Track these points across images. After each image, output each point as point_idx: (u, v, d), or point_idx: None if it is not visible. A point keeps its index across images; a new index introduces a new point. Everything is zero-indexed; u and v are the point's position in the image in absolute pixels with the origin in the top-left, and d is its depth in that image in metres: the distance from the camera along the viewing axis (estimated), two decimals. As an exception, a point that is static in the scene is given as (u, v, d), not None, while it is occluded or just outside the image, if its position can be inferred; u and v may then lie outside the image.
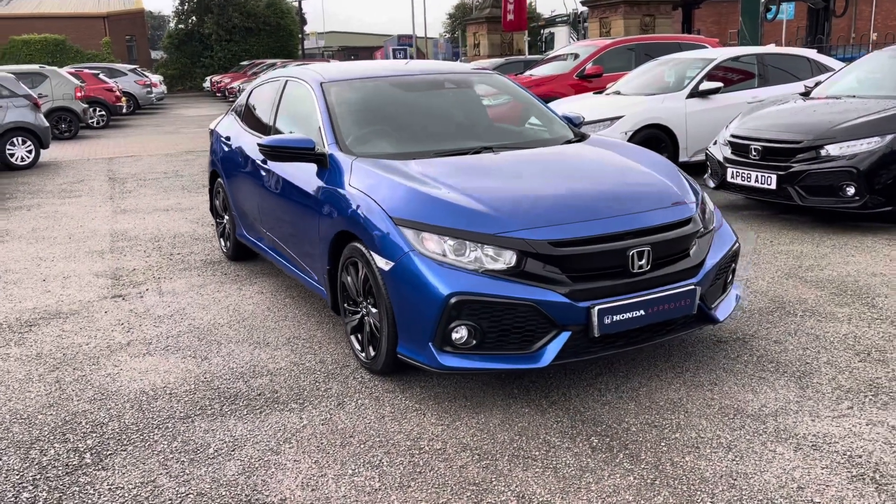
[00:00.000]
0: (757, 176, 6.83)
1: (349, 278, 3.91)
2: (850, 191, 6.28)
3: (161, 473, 2.98)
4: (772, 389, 3.54)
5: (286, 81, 5.26)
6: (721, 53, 9.83)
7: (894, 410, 3.29)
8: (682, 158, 9.19)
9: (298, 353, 4.22)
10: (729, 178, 7.15)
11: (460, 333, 3.31)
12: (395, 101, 4.77)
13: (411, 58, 37.78)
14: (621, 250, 3.40)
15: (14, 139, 12.79)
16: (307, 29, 72.64)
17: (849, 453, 2.96)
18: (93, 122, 20.73)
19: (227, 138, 5.94)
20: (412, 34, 38.39)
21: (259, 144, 4.37)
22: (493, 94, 12.49)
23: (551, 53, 14.80)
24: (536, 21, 35.05)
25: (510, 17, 19.46)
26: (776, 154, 6.72)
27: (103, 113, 21.31)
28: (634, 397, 3.52)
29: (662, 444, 3.09)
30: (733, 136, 7.23)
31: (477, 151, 4.26)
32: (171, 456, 3.12)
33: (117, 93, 22.10)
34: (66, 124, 18.06)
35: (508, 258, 3.33)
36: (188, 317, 4.93)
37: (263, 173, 5.02)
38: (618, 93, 10.01)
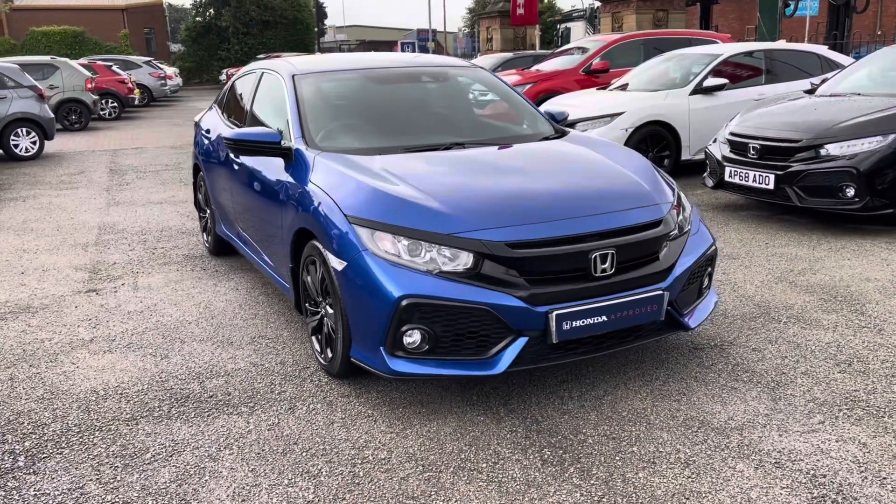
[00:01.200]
0: (755, 175, 6.62)
1: (309, 277, 3.78)
2: (850, 192, 6.06)
3: (91, 479, 2.87)
4: (742, 401, 3.37)
5: (262, 73, 5.14)
6: (727, 49, 9.58)
7: (868, 426, 3.10)
8: (685, 156, 8.98)
9: (260, 353, 4.10)
10: (727, 178, 6.94)
11: (413, 338, 3.17)
12: (368, 94, 4.63)
13: (431, 50, 37.59)
14: (583, 253, 3.23)
15: (18, 130, 12.81)
16: (327, 23, 72.85)
17: (813, 472, 2.78)
18: (105, 114, 20.82)
19: (207, 131, 5.84)
20: (428, 28, 38.21)
21: (224, 138, 4.25)
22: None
23: (562, 48, 14.56)
24: (553, 16, 34.74)
25: (520, 11, 19.20)
26: (775, 153, 6.50)
27: (115, 105, 21.36)
28: (597, 406, 3.36)
29: (617, 457, 2.93)
30: (732, 133, 7.02)
31: (447, 147, 4.11)
32: (105, 461, 3.01)
33: (130, 85, 22.14)
34: (77, 115, 18.11)
35: (465, 259, 3.18)
36: (157, 313, 4.83)
37: (236, 167, 4.90)
38: (621, 89, 9.80)
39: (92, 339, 4.39)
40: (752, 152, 6.68)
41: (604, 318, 3.26)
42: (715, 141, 7.39)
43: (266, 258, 4.55)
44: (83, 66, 20.39)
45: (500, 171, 3.78)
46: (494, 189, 3.52)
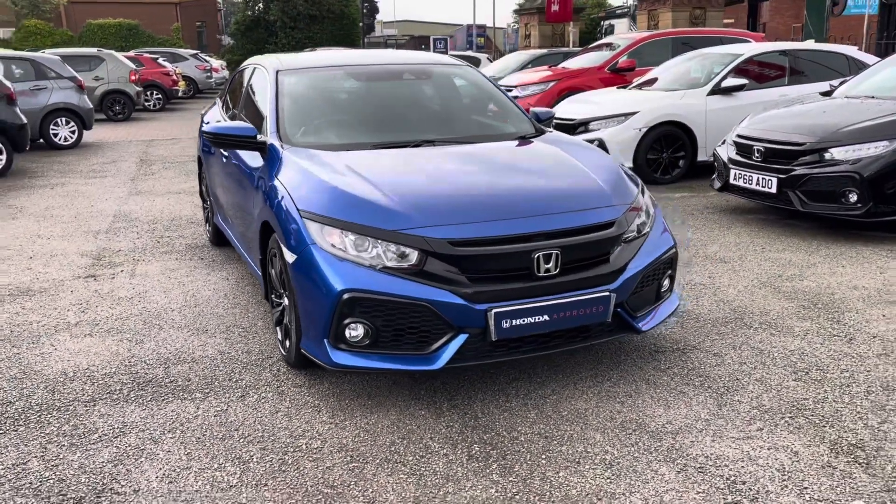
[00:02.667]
0: (758, 179, 6.51)
1: (273, 270, 3.88)
2: (853, 197, 5.92)
3: (36, 457, 3.01)
4: (687, 405, 3.35)
5: (255, 69, 5.26)
6: (749, 49, 9.40)
7: (806, 435, 3.06)
8: (701, 158, 8.86)
9: (231, 341, 4.22)
10: (731, 180, 6.84)
11: (357, 331, 3.24)
12: (348, 91, 4.70)
13: (478, 48, 37.56)
14: (525, 252, 3.26)
15: (58, 119, 13.26)
16: (378, 18, 73.28)
17: (733, 478, 2.77)
18: (149, 105, 21.38)
19: (207, 123, 5.98)
20: (473, 24, 38.18)
21: (203, 132, 4.37)
22: (522, 84, 12.30)
23: (592, 45, 14.45)
24: (598, 12, 34.37)
25: (554, 7, 19.05)
26: (778, 156, 6.39)
27: (160, 96, 21.91)
28: (539, 405, 3.38)
29: (543, 456, 2.96)
30: (739, 135, 6.91)
31: (417, 144, 4.16)
32: (54, 439, 3.15)
33: (174, 77, 22.67)
34: (120, 106, 18.64)
35: (409, 256, 3.23)
36: (145, 300, 4.99)
37: (224, 160, 5.04)
38: (639, 88, 9.70)
39: (77, 323, 4.57)
40: (756, 155, 6.57)
41: (545, 317, 3.27)
42: (723, 143, 7.28)
43: (246, 249, 4.67)
44: (130, 58, 20.97)
45: (460, 170, 3.82)
46: (447, 187, 3.57)
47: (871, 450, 2.95)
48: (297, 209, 3.47)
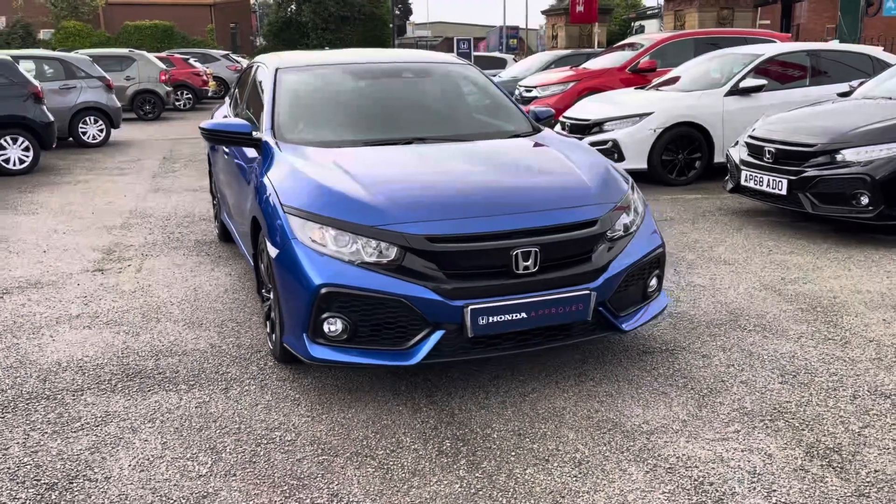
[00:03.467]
0: (769, 180, 6.41)
1: (262, 265, 3.93)
2: (864, 200, 5.80)
3: (18, 443, 3.09)
4: (666, 406, 3.32)
5: (258, 67, 5.32)
6: (769, 49, 9.26)
7: (783, 438, 3.02)
8: (718, 159, 8.74)
9: (224, 335, 4.27)
10: (742, 182, 6.74)
11: (335, 326, 3.26)
12: (345, 89, 4.73)
13: (511, 49, 37.49)
14: (504, 249, 3.25)
15: (87, 118, 13.53)
16: (411, 19, 73.46)
17: (701, 480, 2.74)
18: (179, 105, 21.71)
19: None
20: (504, 25, 38.12)
21: (200, 128, 4.43)
22: (542, 85, 12.27)
23: (615, 45, 14.34)
24: (627, 13, 34.11)
25: (579, 8, 18.93)
26: (789, 157, 6.29)
27: (190, 96, 22.23)
28: (518, 403, 3.38)
29: (513, 453, 2.95)
30: (750, 136, 6.82)
31: (408, 142, 4.18)
32: (38, 427, 3.22)
33: (205, 77, 22.99)
34: (150, 106, 18.95)
35: (388, 251, 3.25)
36: (148, 294, 5.07)
37: (225, 157, 5.11)
38: (657, 88, 9.61)
39: (78, 315, 4.66)
40: (767, 156, 6.47)
41: (524, 314, 3.27)
42: (736, 144, 7.18)
43: (244, 244, 4.73)
44: (161, 58, 21.33)
45: (446, 167, 3.83)
46: (430, 183, 3.58)
47: (847, 454, 2.89)
48: (281, 204, 3.51)
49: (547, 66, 14.68)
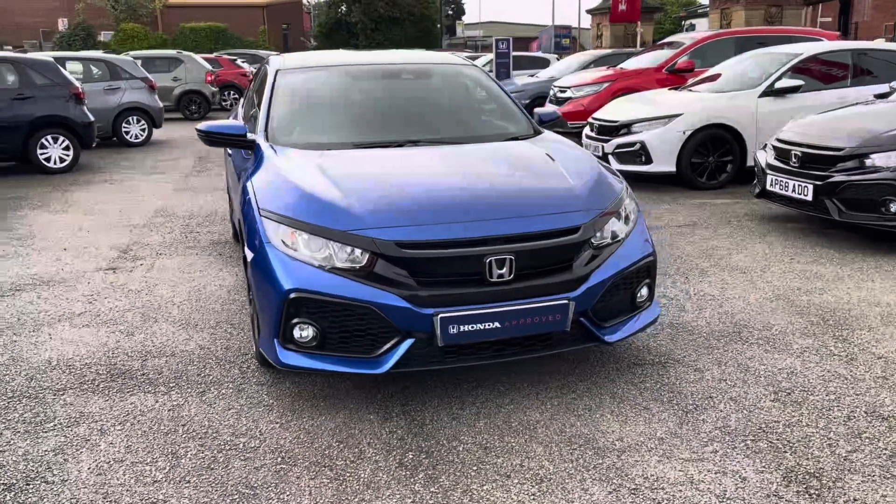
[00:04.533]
0: (794, 185, 6.15)
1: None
2: (894, 207, 5.51)
3: (-11, 440, 3.12)
4: (646, 422, 3.18)
5: (265, 67, 5.32)
6: (808, 48, 8.91)
7: (763, 460, 2.85)
8: (751, 163, 8.44)
9: (216, 337, 4.27)
10: (768, 186, 6.49)
11: (306, 332, 3.22)
12: (342, 90, 4.69)
13: (563, 48, 37.13)
14: (477, 257, 3.16)
15: (130, 118, 13.84)
16: (464, 19, 73.44)
17: (665, 503, 2.60)
18: (226, 105, 22.08)
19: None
20: (557, 25, 37.74)
21: (196, 130, 4.45)
22: (577, 85, 12.08)
23: (656, 44, 14.03)
24: (678, 12, 33.42)
25: (621, 7, 18.54)
26: (816, 162, 6.02)
27: (237, 96, 22.57)
28: (491, 415, 3.28)
29: (475, 468, 2.86)
30: (778, 139, 6.56)
31: (399, 144, 4.11)
32: (12, 426, 3.25)
33: (251, 77, 23.31)
34: (196, 106, 19.33)
35: (359, 257, 3.19)
36: (152, 293, 5.12)
37: (230, 158, 5.12)
38: (690, 89, 9.34)
39: (80, 314, 4.73)
40: (793, 160, 6.21)
41: (497, 324, 3.17)
42: (765, 147, 6.92)
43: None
44: (210, 60, 21.74)
45: (429, 171, 3.76)
46: (407, 188, 3.51)
47: (828, 480, 2.72)
48: (259, 208, 3.48)
49: (586, 66, 14.45)
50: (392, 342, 3.17)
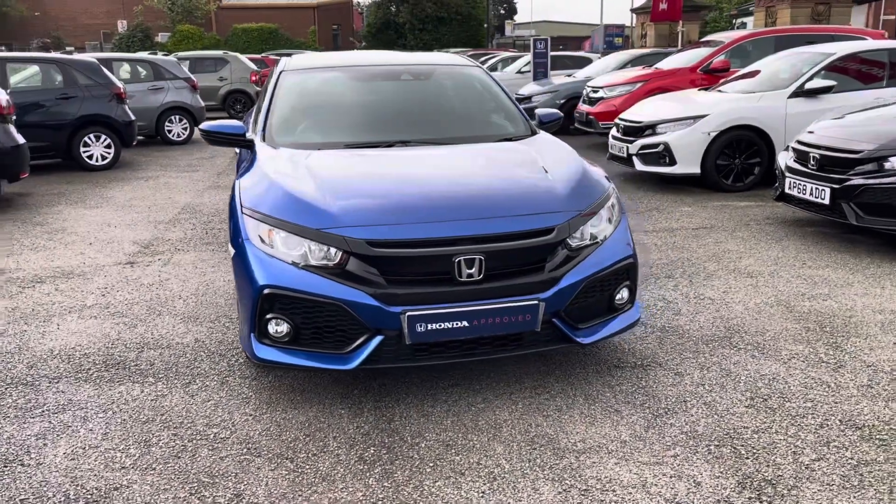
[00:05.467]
0: (812, 188, 6.01)
1: (239, 264, 4.01)
2: (912, 212, 5.35)
3: (-21, 424, 3.28)
4: (613, 425, 3.17)
5: (274, 68, 5.44)
6: (843, 47, 8.67)
7: (721, 466, 2.82)
8: (779, 164, 8.26)
9: (213, 331, 4.40)
10: (786, 189, 6.35)
11: (281, 327, 3.30)
12: (341, 91, 4.77)
13: (616, 48, 36.72)
14: (446, 256, 3.19)
15: (172, 117, 14.22)
16: (516, 18, 73.29)
17: (611, 506, 2.60)
18: (271, 104, 22.47)
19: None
20: (600, 24, 37.40)
21: (198, 129, 4.57)
22: (609, 85, 11.97)
23: (692, 44, 13.79)
24: (729, 9, 32.73)
25: (662, 6, 18.25)
26: (834, 164, 5.87)
27: (282, 96, 22.96)
28: (461, 413, 3.31)
29: (431, 465, 2.90)
30: (798, 141, 6.41)
31: (389, 145, 4.17)
32: (3, 411, 3.41)
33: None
34: (241, 105, 19.72)
35: (333, 255, 3.25)
36: (162, 287, 5.29)
37: (237, 157, 5.25)
38: (719, 89, 9.18)
39: (91, 306, 4.91)
40: (812, 162, 6.07)
41: (465, 323, 3.20)
42: (787, 149, 6.77)
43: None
44: (257, 60, 22.20)
45: (410, 171, 3.80)
46: (384, 187, 3.56)
47: (783, 488, 2.68)
48: (241, 206, 3.57)
49: (623, 66, 14.29)
50: (362, 339, 3.22)
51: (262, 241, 3.37)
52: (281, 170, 3.77)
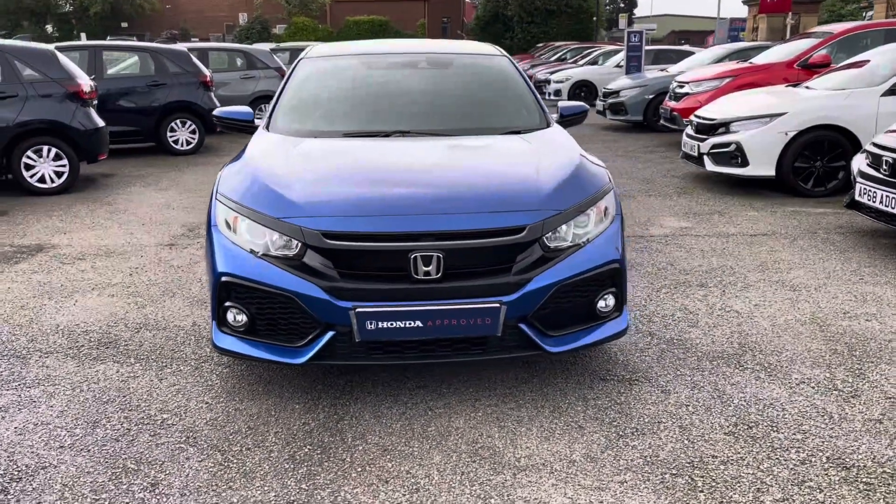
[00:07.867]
0: (883, 196, 5.43)
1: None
2: None
3: (-45, 393, 3.41)
4: (569, 442, 2.93)
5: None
6: (949, 42, 7.81)
7: (668, 499, 2.54)
8: (867, 169, 7.55)
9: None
10: (857, 196, 5.77)
11: (240, 316, 3.24)
12: (353, 79, 4.66)
13: (741, 41, 35.18)
14: (401, 252, 3.04)
15: (263, 105, 14.61)
16: (636, 12, 71.59)
17: (525, 532, 2.38)
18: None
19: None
20: (717, 17, 35.64)
21: (212, 114, 4.60)
22: (695, 80, 11.37)
23: (794, 37, 12.89)
24: (859, 2, 30.45)
25: (771, -4, 17.14)
26: (907, 170, 5.28)
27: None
28: (414, 418, 3.15)
29: (357, 470, 2.76)
30: (874, 143, 5.81)
31: (387, 135, 4.04)
32: (-15, 381, 3.53)
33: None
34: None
35: (292, 245, 3.16)
36: (189, 270, 5.38)
37: (262, 144, 5.26)
38: (808, 86, 8.49)
39: (116, 284, 5.05)
40: (884, 167, 5.48)
41: (418, 322, 3.03)
42: (862, 151, 6.16)
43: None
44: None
45: (391, 162, 3.67)
46: (355, 179, 3.45)
47: (727, 530, 2.37)
48: (217, 192, 3.55)
49: (719, 60, 13.53)
50: (314, 333, 3.12)
51: (228, 227, 3.33)
52: (265, 157, 3.72)
